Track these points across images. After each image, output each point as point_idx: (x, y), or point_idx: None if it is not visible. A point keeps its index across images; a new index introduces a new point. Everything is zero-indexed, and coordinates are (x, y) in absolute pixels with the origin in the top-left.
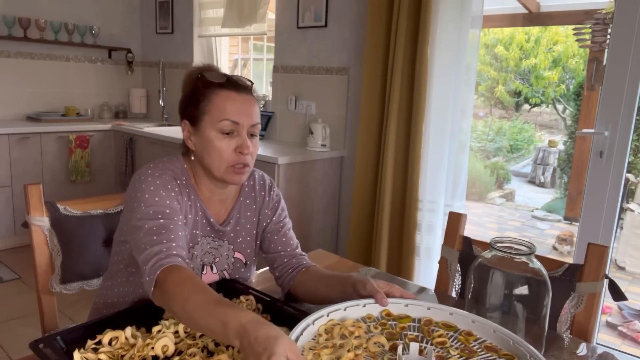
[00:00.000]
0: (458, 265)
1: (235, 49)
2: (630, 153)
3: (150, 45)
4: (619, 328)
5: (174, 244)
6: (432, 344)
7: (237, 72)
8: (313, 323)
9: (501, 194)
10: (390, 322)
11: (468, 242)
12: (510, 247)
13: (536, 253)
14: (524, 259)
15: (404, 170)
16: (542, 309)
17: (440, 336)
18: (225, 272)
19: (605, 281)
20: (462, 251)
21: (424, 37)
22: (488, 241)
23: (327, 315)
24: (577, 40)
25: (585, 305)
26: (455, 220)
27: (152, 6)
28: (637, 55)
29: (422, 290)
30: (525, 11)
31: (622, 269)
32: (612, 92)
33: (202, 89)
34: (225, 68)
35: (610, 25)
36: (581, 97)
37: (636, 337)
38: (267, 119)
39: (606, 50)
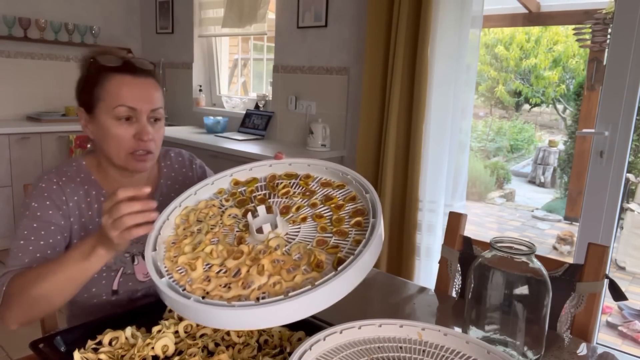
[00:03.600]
0: (458, 265)
1: (235, 49)
2: (630, 153)
3: (150, 45)
4: (619, 328)
5: (26, 261)
6: (278, 197)
7: (238, 72)
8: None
9: (501, 194)
10: (239, 190)
11: (468, 242)
12: (511, 247)
13: (536, 253)
14: (524, 259)
15: (404, 170)
16: (542, 309)
17: (284, 187)
18: None
19: (606, 281)
20: (462, 251)
21: (424, 37)
22: (488, 241)
23: (180, 205)
24: (577, 40)
25: (585, 305)
26: (455, 220)
27: (152, 6)
28: (637, 55)
29: (422, 290)
30: (525, 11)
31: (622, 269)
32: (612, 92)
33: (95, 74)
34: (225, 68)
35: (610, 25)
36: (581, 97)
37: (636, 337)
38: (267, 119)
39: (606, 50)
